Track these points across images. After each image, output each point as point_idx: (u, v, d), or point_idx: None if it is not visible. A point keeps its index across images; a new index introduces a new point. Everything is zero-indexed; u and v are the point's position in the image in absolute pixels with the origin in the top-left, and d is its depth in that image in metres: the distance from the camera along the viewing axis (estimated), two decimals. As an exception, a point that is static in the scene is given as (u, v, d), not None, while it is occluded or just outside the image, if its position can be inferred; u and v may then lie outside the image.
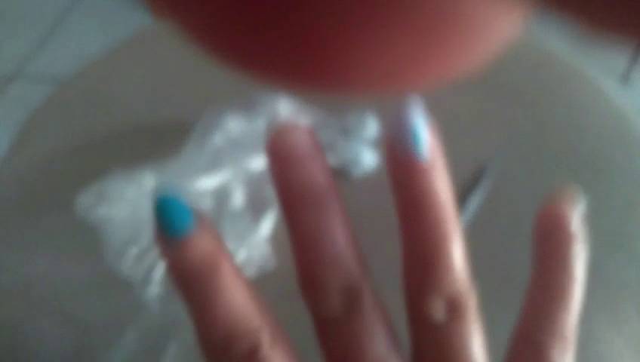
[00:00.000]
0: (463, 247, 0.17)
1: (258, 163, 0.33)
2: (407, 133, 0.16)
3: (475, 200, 0.39)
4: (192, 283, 0.16)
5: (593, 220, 0.38)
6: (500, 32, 0.06)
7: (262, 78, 0.07)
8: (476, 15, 0.06)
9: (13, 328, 0.30)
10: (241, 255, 0.30)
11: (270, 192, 0.37)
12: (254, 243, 0.30)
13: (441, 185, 0.17)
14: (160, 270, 0.28)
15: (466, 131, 0.44)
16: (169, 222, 0.16)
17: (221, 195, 0.31)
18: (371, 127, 0.42)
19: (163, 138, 0.44)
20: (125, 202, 0.29)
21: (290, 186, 0.16)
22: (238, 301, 0.16)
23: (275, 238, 0.36)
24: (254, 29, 0.06)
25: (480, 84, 0.48)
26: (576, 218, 0.20)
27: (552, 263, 0.19)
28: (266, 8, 0.06)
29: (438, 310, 0.17)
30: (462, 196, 0.40)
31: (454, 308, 0.17)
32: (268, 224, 0.34)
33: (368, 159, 0.40)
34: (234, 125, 0.35)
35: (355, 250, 0.17)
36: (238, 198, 0.32)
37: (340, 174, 0.40)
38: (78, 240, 0.34)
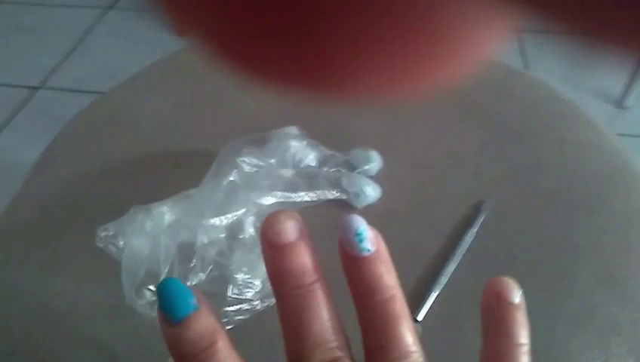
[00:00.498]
0: (410, 325, 0.20)
1: (268, 199, 0.35)
2: (353, 233, 0.20)
3: (473, 233, 0.41)
4: (190, 360, 0.18)
5: (586, 260, 0.40)
6: (489, 42, 0.07)
7: (284, 89, 0.08)
8: (467, 29, 0.07)
9: (32, 351, 0.32)
10: (255, 285, 0.32)
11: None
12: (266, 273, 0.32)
13: (385, 271, 0.20)
14: None
15: (466, 167, 0.46)
16: (170, 303, 0.18)
17: (234, 228, 0.33)
18: (374, 162, 0.44)
19: (181, 167, 0.46)
20: (144, 237, 0.31)
21: (278, 268, 0.19)
22: None
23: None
24: (278, 48, 0.07)
25: (480, 121, 0.50)
26: (517, 291, 0.22)
27: (496, 332, 0.21)
28: (288, 30, 0.07)
29: None
30: (459, 229, 0.41)
31: None
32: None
33: (371, 191, 0.42)
34: (248, 163, 0.37)
35: (336, 321, 0.19)
36: (250, 231, 0.34)
37: (346, 205, 0.42)
38: (99, 263, 0.37)
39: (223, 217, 0.32)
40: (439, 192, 0.44)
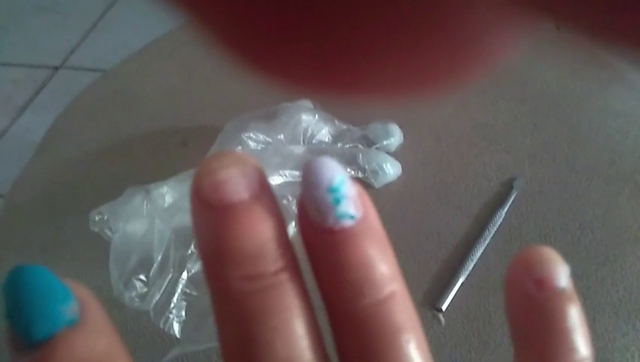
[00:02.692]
0: (420, 343, 0.12)
1: (276, 178, 0.32)
2: (323, 188, 0.12)
3: (503, 214, 0.37)
4: None
5: (632, 243, 0.36)
6: (504, 45, 0.07)
7: (301, 89, 0.07)
8: (483, 33, 0.06)
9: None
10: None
11: (288, 206, 0.36)
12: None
13: (378, 253, 0.12)
14: (170, 300, 0.27)
15: (496, 141, 0.42)
16: (23, 313, 0.10)
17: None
18: (394, 137, 0.40)
19: (188, 145, 0.44)
20: (140, 221, 0.29)
21: (218, 246, 0.11)
22: None
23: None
24: (299, 53, 0.07)
25: (512, 89, 0.46)
26: (565, 269, 0.14)
27: (538, 339, 0.13)
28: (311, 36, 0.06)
29: None
30: (488, 210, 0.38)
31: None
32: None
33: (391, 169, 0.39)
34: (255, 139, 0.34)
35: (318, 341, 0.12)
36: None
37: (364, 184, 0.39)
38: (101, 246, 0.35)
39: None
40: (466, 169, 0.41)
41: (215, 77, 0.50)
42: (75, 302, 0.11)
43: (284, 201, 0.34)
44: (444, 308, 0.33)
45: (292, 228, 0.39)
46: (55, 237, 0.38)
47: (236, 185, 0.11)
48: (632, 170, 0.40)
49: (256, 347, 0.11)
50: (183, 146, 0.42)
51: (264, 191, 0.12)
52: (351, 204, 0.12)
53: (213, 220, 0.11)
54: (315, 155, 0.36)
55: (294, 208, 0.36)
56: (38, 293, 0.10)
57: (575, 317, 0.14)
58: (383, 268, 0.12)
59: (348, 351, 0.12)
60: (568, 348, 0.13)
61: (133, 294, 0.27)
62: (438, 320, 0.32)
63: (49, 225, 0.39)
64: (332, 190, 0.12)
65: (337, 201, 0.12)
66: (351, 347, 0.12)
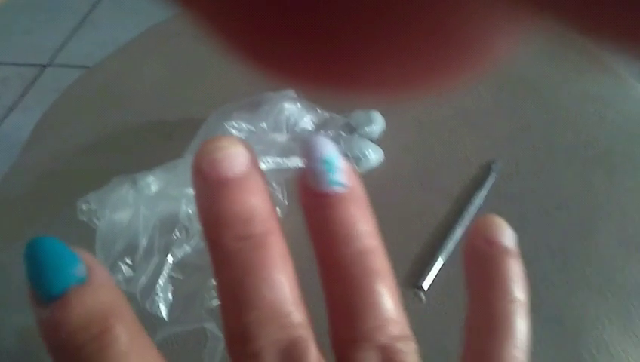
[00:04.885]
0: (392, 286, 0.15)
1: (261, 165, 0.33)
2: (318, 160, 0.14)
3: (482, 196, 0.38)
4: (73, 354, 0.12)
5: (607, 221, 0.37)
6: (502, 44, 0.07)
7: (302, 86, 0.08)
8: (481, 32, 0.07)
9: (26, 326, 0.32)
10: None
11: (273, 193, 0.37)
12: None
13: (361, 216, 0.15)
14: (155, 282, 0.28)
15: (476, 126, 0.43)
16: (41, 273, 0.12)
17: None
18: (377, 124, 0.41)
19: (173, 137, 0.45)
20: (126, 209, 0.30)
21: (215, 211, 0.14)
22: None
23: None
24: (302, 52, 0.07)
25: (491, 75, 0.47)
26: (510, 233, 0.17)
27: (485, 285, 0.16)
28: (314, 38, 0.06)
29: None
30: (468, 192, 0.39)
31: (389, 358, 0.14)
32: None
33: (373, 155, 0.40)
34: (237, 127, 0.35)
35: (296, 289, 0.14)
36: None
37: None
38: (91, 237, 0.36)
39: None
40: (447, 154, 0.42)
41: (199, 70, 0.50)
42: (82, 264, 0.13)
43: (269, 189, 0.35)
44: (425, 286, 0.34)
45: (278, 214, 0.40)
46: (46, 230, 0.39)
47: (230, 163, 0.14)
48: (607, 151, 0.41)
49: (247, 292, 0.14)
50: (168, 138, 0.43)
51: (254, 169, 0.14)
52: (342, 174, 0.15)
53: (211, 192, 0.14)
54: (298, 143, 0.37)
55: (279, 195, 0.37)
56: (52, 258, 0.13)
57: (515, 269, 0.16)
58: (364, 226, 0.15)
59: (333, 291, 0.15)
60: (507, 292, 0.16)
61: (120, 277, 0.28)
62: (420, 298, 0.34)
63: (40, 218, 0.39)
64: (326, 161, 0.14)
65: (330, 171, 0.14)
66: (336, 287, 0.15)
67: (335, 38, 0.06)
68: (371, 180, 0.41)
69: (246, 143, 0.15)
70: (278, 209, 0.35)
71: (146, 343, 0.13)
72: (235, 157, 0.14)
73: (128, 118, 0.46)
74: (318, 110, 0.40)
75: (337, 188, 0.15)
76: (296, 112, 0.37)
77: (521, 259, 0.17)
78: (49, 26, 1.44)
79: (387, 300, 0.15)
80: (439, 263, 0.35)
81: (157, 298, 0.28)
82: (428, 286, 0.34)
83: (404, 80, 0.07)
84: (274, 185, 0.36)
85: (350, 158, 0.40)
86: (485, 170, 0.40)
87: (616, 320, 0.32)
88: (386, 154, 0.41)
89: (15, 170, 0.43)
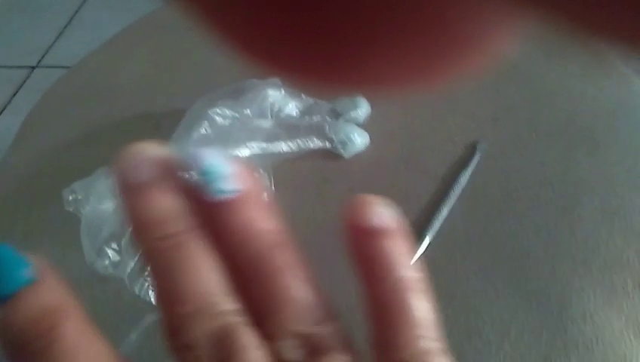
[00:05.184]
0: (298, 277, 0.15)
1: (244, 151, 0.34)
2: (200, 172, 0.15)
3: (467, 175, 0.39)
4: (23, 348, 0.13)
5: (590, 195, 0.38)
6: (499, 39, 0.07)
7: (300, 82, 0.08)
8: (478, 27, 0.07)
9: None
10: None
11: (262, 180, 0.37)
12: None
13: (256, 215, 0.15)
14: (142, 267, 0.29)
15: (460, 107, 0.44)
16: None
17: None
18: (362, 108, 0.42)
19: (161, 127, 0.45)
20: (113, 197, 0.30)
21: (135, 216, 0.15)
22: None
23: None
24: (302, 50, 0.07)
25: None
26: (379, 208, 0.16)
27: (367, 273, 0.16)
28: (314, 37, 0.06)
29: None
30: (453, 172, 0.39)
31: (309, 344, 0.15)
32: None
33: (358, 139, 0.40)
34: (221, 114, 0.35)
35: (224, 279, 0.15)
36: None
37: (333, 155, 0.40)
38: (78, 228, 0.36)
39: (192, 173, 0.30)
40: (432, 136, 0.42)
41: (184, 60, 0.51)
42: (31, 268, 0.14)
43: (256, 174, 0.36)
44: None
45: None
46: (36, 224, 0.39)
47: (139, 171, 0.15)
48: (589, 127, 0.42)
49: (175, 288, 0.15)
50: (155, 129, 0.43)
51: (164, 173, 0.15)
52: (231, 180, 0.15)
53: (127, 200, 0.15)
54: (283, 129, 0.37)
55: (266, 181, 0.38)
56: (2, 263, 0.14)
57: (394, 248, 0.16)
58: (264, 224, 0.15)
59: (248, 293, 0.15)
60: (389, 274, 0.15)
61: (107, 262, 0.28)
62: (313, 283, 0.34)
63: (30, 213, 0.39)
64: (209, 173, 0.15)
65: (214, 181, 0.15)
66: (249, 289, 0.15)
67: (331, 32, 0.06)
68: (358, 164, 0.42)
69: (160, 148, 0.15)
70: (265, 194, 0.35)
71: (94, 339, 0.14)
72: (143, 164, 0.15)
73: (114, 111, 0.46)
74: (303, 96, 0.40)
75: (225, 196, 0.15)
76: (281, 98, 0.38)
77: (404, 232, 0.16)
78: (36, 27, 1.43)
79: (295, 292, 0.15)
80: (426, 242, 0.35)
81: (146, 283, 0.28)
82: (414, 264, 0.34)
83: (398, 75, 0.07)
84: (261, 171, 0.36)
85: (336, 143, 0.40)
86: (470, 151, 0.41)
87: (600, 292, 0.33)
88: (371, 138, 0.41)
89: (5, 166, 0.43)
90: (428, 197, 0.38)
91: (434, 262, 0.35)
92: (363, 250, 0.16)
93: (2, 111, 1.24)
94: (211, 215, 0.15)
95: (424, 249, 0.35)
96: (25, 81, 1.31)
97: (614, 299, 0.33)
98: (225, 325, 0.14)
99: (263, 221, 0.15)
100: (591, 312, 0.32)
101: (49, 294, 0.14)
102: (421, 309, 0.15)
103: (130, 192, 0.15)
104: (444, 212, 0.37)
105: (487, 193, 0.38)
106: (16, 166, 0.43)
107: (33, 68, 1.34)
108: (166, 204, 0.15)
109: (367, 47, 0.07)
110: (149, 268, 0.15)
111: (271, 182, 0.36)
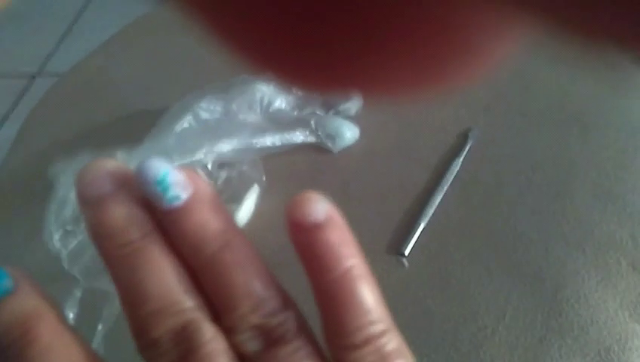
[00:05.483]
0: (253, 272, 0.16)
1: (227, 145, 0.34)
2: (153, 184, 0.16)
3: (459, 163, 0.39)
4: (3, 351, 0.15)
5: (582, 178, 0.38)
6: (503, 46, 0.07)
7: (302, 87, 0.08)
8: (482, 33, 0.07)
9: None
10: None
11: (249, 172, 0.38)
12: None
13: (210, 217, 0.16)
14: (87, 247, 0.30)
15: (454, 96, 0.44)
16: None
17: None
18: (353, 100, 0.42)
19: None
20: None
21: (97, 228, 0.16)
22: None
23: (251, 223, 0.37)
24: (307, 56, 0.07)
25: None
26: (315, 204, 0.16)
27: (313, 269, 0.16)
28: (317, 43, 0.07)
29: None
30: (446, 160, 0.39)
31: (266, 333, 0.16)
32: (246, 207, 0.35)
33: (349, 133, 0.40)
34: (207, 109, 0.36)
35: (184, 278, 0.16)
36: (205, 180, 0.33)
37: (322, 148, 0.40)
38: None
39: (176, 162, 0.31)
40: (424, 125, 0.42)
41: (181, 60, 0.51)
42: (9, 279, 0.15)
43: (244, 168, 0.36)
44: (406, 252, 0.35)
45: (256, 193, 0.41)
46: (36, 225, 0.40)
47: (96, 185, 0.16)
48: (580, 111, 0.42)
49: (137, 290, 0.16)
50: (152, 127, 0.44)
51: (121, 184, 0.16)
52: (178, 188, 0.16)
53: (87, 213, 0.16)
54: (271, 123, 0.38)
55: (255, 173, 0.38)
56: None
57: (330, 239, 0.16)
58: (214, 225, 0.16)
59: (206, 288, 0.16)
60: (333, 268, 0.16)
61: (57, 239, 0.29)
62: (402, 264, 0.34)
63: (29, 214, 0.40)
64: (159, 182, 0.16)
65: (165, 190, 0.16)
66: (207, 285, 0.16)
67: (330, 35, 0.06)
68: (350, 157, 0.42)
69: (112, 162, 0.16)
70: (256, 186, 0.36)
71: (68, 338, 0.15)
72: (100, 179, 0.16)
73: (112, 111, 0.47)
74: (293, 90, 0.40)
75: (177, 202, 0.16)
76: (270, 93, 0.38)
77: (342, 224, 0.16)
78: (36, 35, 1.44)
79: (250, 286, 0.16)
80: (419, 229, 0.36)
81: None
82: (409, 251, 0.35)
83: (399, 80, 0.07)
84: (244, 167, 0.37)
85: (325, 138, 0.40)
86: (462, 139, 0.41)
87: (594, 273, 0.33)
88: (364, 130, 0.41)
89: (4, 169, 0.44)
90: (421, 185, 0.39)
91: (428, 249, 0.35)
92: (305, 245, 0.16)
93: (5, 121, 1.26)
94: (166, 222, 0.16)
95: (418, 235, 0.35)
96: (26, 90, 1.32)
97: (608, 279, 0.33)
98: (186, 322, 0.15)
99: (214, 222, 0.16)
100: (585, 294, 0.32)
101: (24, 301, 0.15)
102: (367, 296, 0.16)
103: (89, 205, 0.16)
104: (438, 199, 0.37)
105: (480, 179, 0.39)
106: (15, 167, 0.44)
107: (34, 77, 1.35)
108: (123, 214, 0.16)
109: (368, 51, 0.07)
110: (110, 274, 0.16)
111: (260, 173, 0.37)
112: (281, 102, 0.38)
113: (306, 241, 0.16)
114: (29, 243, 0.38)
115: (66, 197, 0.30)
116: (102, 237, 0.16)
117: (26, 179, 0.42)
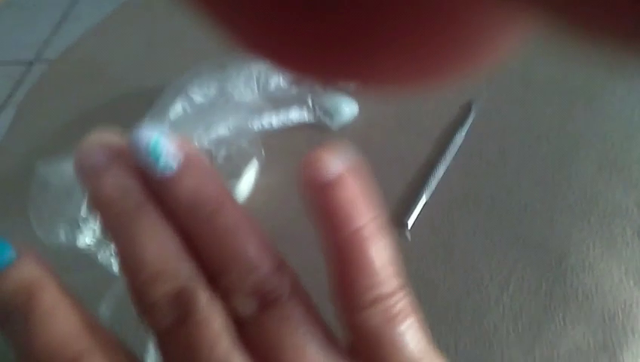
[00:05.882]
0: (245, 236, 0.16)
1: (223, 126, 0.33)
2: (144, 152, 0.16)
3: (462, 135, 0.38)
4: (8, 316, 0.15)
5: (587, 148, 0.37)
6: (507, 38, 0.07)
7: (307, 76, 0.07)
8: (486, 26, 0.07)
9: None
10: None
11: (248, 149, 0.37)
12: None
13: (200, 183, 0.16)
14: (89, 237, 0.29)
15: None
16: None
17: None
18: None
19: (154, 103, 0.45)
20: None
21: (96, 197, 0.16)
22: (60, 327, 0.15)
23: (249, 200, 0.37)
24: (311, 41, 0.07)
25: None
26: (330, 161, 0.16)
27: (325, 227, 0.16)
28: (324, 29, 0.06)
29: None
30: (449, 133, 0.39)
31: (262, 297, 0.16)
32: (246, 181, 0.34)
33: (348, 110, 0.40)
34: (202, 89, 0.35)
35: (180, 246, 0.16)
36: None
37: (320, 126, 0.40)
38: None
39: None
40: (425, 98, 0.42)
41: (177, 39, 0.50)
42: (11, 250, 0.16)
43: (243, 145, 0.36)
44: (409, 224, 0.34)
45: (255, 168, 0.40)
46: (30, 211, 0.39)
47: (95, 156, 0.16)
48: (585, 82, 0.41)
49: (135, 257, 0.16)
50: (150, 106, 0.43)
51: (116, 156, 0.16)
52: (169, 156, 0.16)
53: (86, 183, 0.17)
54: (269, 102, 0.37)
55: (254, 150, 0.37)
56: None
57: (344, 197, 0.16)
58: (207, 190, 0.16)
59: (201, 253, 0.16)
60: (345, 226, 0.16)
61: (57, 231, 0.29)
62: (405, 236, 0.34)
63: (27, 194, 0.40)
64: (151, 151, 0.16)
65: (157, 158, 0.16)
66: (201, 249, 0.16)
67: (334, 30, 0.06)
68: (350, 132, 0.41)
69: (109, 136, 0.17)
70: (255, 160, 0.35)
71: (71, 305, 0.16)
72: (97, 150, 0.16)
73: (109, 91, 0.46)
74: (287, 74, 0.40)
75: (169, 170, 0.16)
76: (266, 71, 0.37)
77: (359, 177, 0.16)
78: (33, 22, 1.43)
79: (243, 249, 0.16)
80: (422, 201, 0.35)
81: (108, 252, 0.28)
82: (412, 223, 0.35)
83: (403, 72, 0.07)
84: (243, 143, 0.36)
85: (323, 115, 0.40)
86: (465, 110, 0.40)
87: (599, 242, 0.33)
88: (363, 105, 0.41)
89: (2, 149, 0.44)
90: (424, 157, 0.38)
91: (432, 221, 0.35)
92: (319, 205, 0.16)
93: (4, 108, 1.25)
94: (160, 190, 0.17)
95: (421, 207, 0.35)
96: (24, 77, 1.31)
97: (614, 248, 0.33)
98: (182, 286, 0.16)
99: (206, 187, 0.16)
100: (590, 262, 0.32)
101: (27, 270, 0.16)
102: (377, 256, 0.16)
103: (88, 176, 0.16)
104: (441, 172, 0.37)
105: (484, 151, 0.38)
106: (12, 149, 0.43)
107: (32, 63, 1.34)
108: (120, 183, 0.16)
109: (371, 41, 0.06)
110: (112, 236, 0.17)
111: (259, 150, 0.36)
112: (277, 80, 0.37)
113: (316, 200, 0.16)
114: (28, 220, 0.37)
115: (58, 188, 0.30)
116: (100, 206, 0.16)
117: (24, 159, 0.42)
